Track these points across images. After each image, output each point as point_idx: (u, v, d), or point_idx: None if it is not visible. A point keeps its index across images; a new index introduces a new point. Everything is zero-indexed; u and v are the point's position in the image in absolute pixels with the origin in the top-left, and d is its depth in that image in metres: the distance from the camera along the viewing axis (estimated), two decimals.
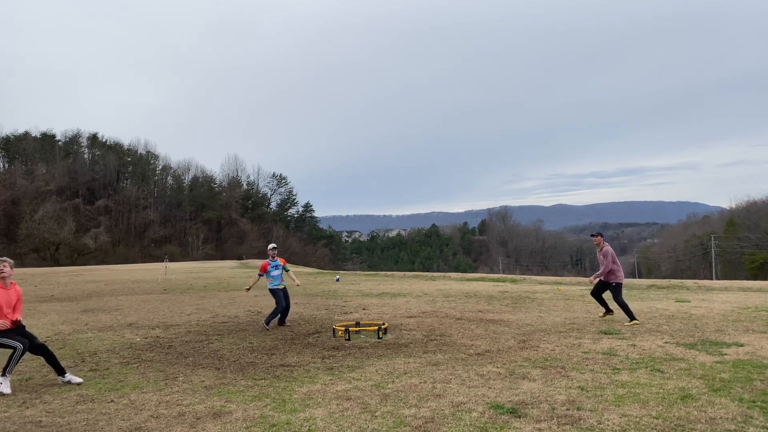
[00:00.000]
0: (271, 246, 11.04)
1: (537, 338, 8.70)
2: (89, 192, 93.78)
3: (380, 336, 9.06)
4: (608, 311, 10.66)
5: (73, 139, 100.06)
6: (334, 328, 9.62)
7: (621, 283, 10.31)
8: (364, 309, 13.23)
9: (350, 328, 9.33)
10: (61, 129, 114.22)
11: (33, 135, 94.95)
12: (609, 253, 10.36)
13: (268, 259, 10.85)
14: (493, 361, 7.11)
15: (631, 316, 9.95)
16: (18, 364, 6.36)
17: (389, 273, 34.62)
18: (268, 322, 10.37)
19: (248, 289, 11.54)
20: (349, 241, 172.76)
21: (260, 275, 10.88)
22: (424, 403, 5.25)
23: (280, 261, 10.89)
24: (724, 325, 9.62)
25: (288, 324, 10.74)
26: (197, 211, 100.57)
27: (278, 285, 10.65)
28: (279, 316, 10.60)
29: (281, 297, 10.52)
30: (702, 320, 10.20)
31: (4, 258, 6.63)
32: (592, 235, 11.08)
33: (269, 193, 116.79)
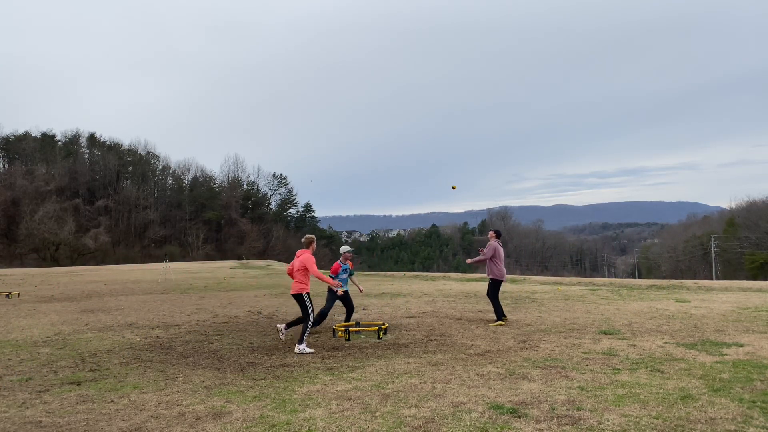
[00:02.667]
0: (348, 249, 10.20)
1: (537, 338, 8.70)
2: (89, 192, 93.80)
3: (380, 336, 9.06)
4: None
5: (73, 140, 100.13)
6: (334, 328, 9.61)
7: (501, 281, 10.67)
8: (364, 309, 13.23)
9: (350, 329, 9.33)
10: (61, 129, 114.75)
11: (33, 135, 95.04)
12: (493, 247, 10.65)
13: (339, 261, 10.07)
14: (493, 361, 7.11)
15: (499, 316, 10.39)
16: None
17: (389, 273, 34.63)
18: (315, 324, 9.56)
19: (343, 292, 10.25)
20: (349, 241, 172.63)
21: (332, 277, 9.98)
22: (424, 403, 5.25)
23: (350, 265, 10.15)
24: (724, 325, 9.62)
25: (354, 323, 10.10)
26: (197, 212, 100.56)
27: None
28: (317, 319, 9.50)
29: (333, 300, 9.83)
30: (702, 320, 10.20)
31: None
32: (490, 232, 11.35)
33: (269, 193, 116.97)
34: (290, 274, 8.68)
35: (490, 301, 10.73)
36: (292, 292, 8.48)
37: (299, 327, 8.78)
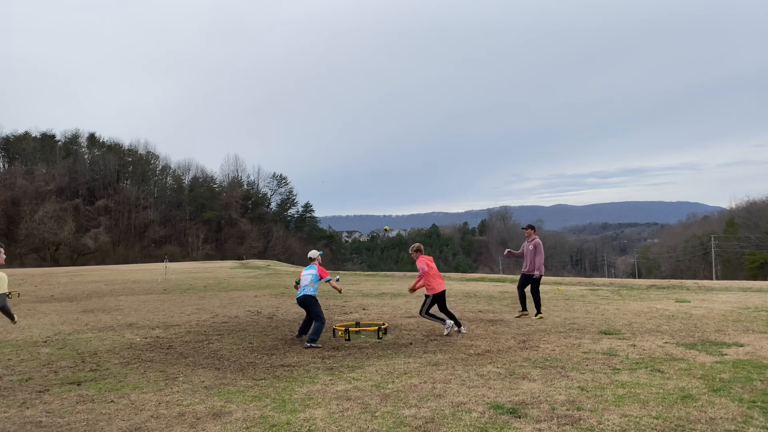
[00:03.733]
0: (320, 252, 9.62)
1: (537, 338, 8.70)
2: (89, 192, 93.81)
3: (380, 336, 9.06)
4: (525, 310, 11.12)
5: (73, 139, 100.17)
6: (334, 328, 9.61)
7: (541, 276, 10.91)
8: (364, 309, 13.23)
9: (350, 328, 9.33)
10: (61, 129, 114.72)
11: (33, 135, 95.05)
12: (540, 246, 10.82)
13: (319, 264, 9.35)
14: (493, 361, 7.11)
15: (539, 310, 10.89)
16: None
17: (389, 273, 34.62)
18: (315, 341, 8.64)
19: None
20: (349, 241, 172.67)
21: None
22: (424, 403, 5.25)
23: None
24: (724, 325, 9.62)
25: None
26: (197, 211, 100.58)
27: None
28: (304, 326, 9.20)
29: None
30: (702, 320, 10.21)
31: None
32: (523, 228, 11.38)
33: (269, 193, 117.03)
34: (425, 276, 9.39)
35: (532, 296, 10.92)
36: (444, 288, 9.43)
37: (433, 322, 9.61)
